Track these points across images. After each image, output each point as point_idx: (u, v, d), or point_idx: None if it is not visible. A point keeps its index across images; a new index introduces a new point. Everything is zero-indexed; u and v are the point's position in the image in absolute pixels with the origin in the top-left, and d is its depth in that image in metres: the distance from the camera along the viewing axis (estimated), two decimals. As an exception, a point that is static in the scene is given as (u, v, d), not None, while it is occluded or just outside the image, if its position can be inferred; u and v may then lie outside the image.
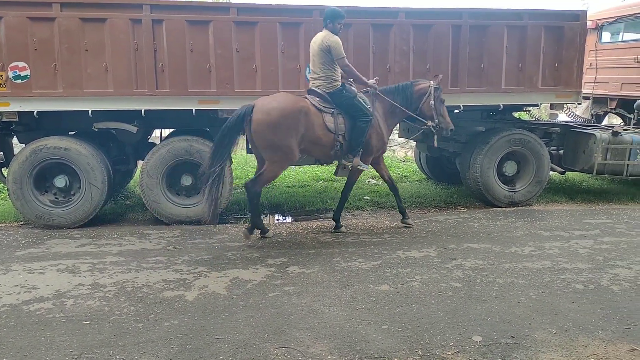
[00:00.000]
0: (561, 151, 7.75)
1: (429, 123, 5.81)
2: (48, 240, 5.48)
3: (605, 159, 7.31)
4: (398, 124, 7.14)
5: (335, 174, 7.27)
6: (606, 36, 8.86)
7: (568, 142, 7.70)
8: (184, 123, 6.59)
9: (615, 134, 7.30)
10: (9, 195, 6.00)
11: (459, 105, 6.78)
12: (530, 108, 8.06)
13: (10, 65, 5.68)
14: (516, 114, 8.15)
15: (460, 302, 3.88)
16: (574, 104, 7.64)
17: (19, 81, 5.72)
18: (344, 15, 5.48)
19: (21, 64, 5.70)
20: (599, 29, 8.69)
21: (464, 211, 6.92)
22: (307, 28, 6.18)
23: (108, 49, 5.80)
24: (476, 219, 6.41)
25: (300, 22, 6.19)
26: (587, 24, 7.60)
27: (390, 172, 9.51)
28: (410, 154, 11.30)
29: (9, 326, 3.48)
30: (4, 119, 5.90)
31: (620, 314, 3.70)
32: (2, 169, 6.39)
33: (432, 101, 5.72)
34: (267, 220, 6.79)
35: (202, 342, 3.26)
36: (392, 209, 7.04)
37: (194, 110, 6.08)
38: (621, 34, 8.82)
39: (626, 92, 8.11)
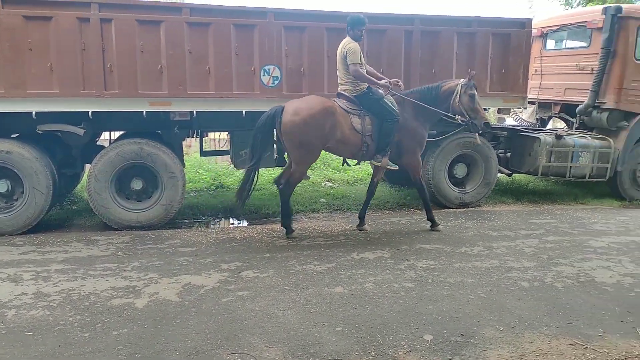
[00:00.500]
0: (508, 154, 8.05)
1: (458, 118, 5.89)
2: (-13, 248, 5.21)
3: (550, 162, 7.63)
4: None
5: (291, 176, 7.28)
6: (550, 43, 9.24)
7: (515, 145, 8.00)
8: (134, 125, 6.40)
9: (558, 137, 7.65)
10: (-56, 201, 5.66)
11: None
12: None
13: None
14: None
15: (412, 302, 3.95)
16: (520, 108, 7.94)
17: (-44, 81, 5.42)
18: (365, 22, 5.63)
19: (-42, 62, 5.41)
20: (543, 36, 9.04)
21: (416, 212, 7.06)
22: (262, 30, 6.16)
23: (53, 49, 5.57)
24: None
25: (255, 25, 6.16)
26: (533, 31, 7.92)
27: (346, 175, 9.62)
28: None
29: (-58, 340, 3.28)
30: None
31: (563, 310, 3.86)
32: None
33: (458, 98, 5.78)
34: (222, 225, 6.71)
35: (152, 351, 3.17)
36: (348, 211, 7.11)
37: (144, 112, 5.92)
38: (564, 41, 9.23)
39: (569, 97, 8.49)
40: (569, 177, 7.83)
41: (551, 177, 7.90)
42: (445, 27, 6.92)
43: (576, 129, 8.40)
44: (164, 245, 5.36)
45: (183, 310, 3.76)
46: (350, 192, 8.30)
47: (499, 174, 8.05)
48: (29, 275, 4.43)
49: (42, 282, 4.28)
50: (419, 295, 4.08)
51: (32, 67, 5.56)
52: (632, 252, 5.32)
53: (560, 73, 8.73)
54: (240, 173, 8.99)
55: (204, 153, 7.73)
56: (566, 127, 9.06)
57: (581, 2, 17.12)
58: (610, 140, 7.87)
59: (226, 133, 7.56)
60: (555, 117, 9.38)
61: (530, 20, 7.47)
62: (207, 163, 9.62)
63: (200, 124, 6.60)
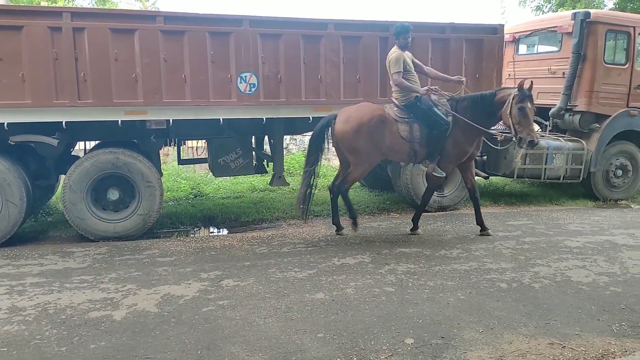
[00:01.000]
0: (485, 157, 8.17)
1: (498, 134, 5.85)
2: (-42, 264, 5.06)
3: (525, 164, 7.78)
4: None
5: (271, 183, 7.30)
6: (523, 48, 9.44)
7: (491, 148, 8.12)
8: (110, 135, 6.32)
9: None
10: None
11: (389, 114, 6.98)
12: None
13: None
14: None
15: (393, 306, 3.97)
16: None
17: None
18: (409, 29, 5.75)
19: None
20: (516, 41, 9.23)
21: (396, 217, 7.11)
22: (238, 38, 6.15)
23: (25, 58, 5.47)
24: (408, 224, 6.57)
25: (231, 32, 6.14)
26: (505, 37, 8.09)
27: (326, 180, 9.63)
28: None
29: None
30: None
31: (541, 310, 3.92)
32: None
33: (509, 110, 5.43)
34: (201, 234, 6.66)
35: (131, 363, 3.12)
36: (328, 217, 7.11)
37: (119, 122, 5.85)
38: (536, 46, 9.43)
39: (542, 101, 8.66)
40: (544, 178, 7.99)
41: (527, 179, 8.05)
42: (420, 33, 6.99)
43: (550, 131, 8.58)
44: (142, 255, 5.28)
45: (162, 321, 3.71)
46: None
47: (476, 177, 8.14)
48: (3, 289, 4.32)
49: (17, 296, 4.17)
50: (400, 299, 4.10)
51: (3, 77, 5.44)
52: (606, 251, 5.44)
53: (532, 77, 8.89)
54: (219, 181, 8.98)
55: (181, 161, 7.67)
56: (540, 130, 9.25)
57: (552, 7, 17.57)
58: (583, 142, 8.06)
59: (204, 141, 7.52)
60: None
61: (502, 26, 7.61)
62: (185, 171, 9.55)
63: (177, 132, 6.56)
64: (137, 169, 5.97)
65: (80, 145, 7.32)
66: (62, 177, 6.34)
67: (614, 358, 3.23)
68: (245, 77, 6.23)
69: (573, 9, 13.48)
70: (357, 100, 6.77)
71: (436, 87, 5.85)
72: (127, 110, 5.88)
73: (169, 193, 8.21)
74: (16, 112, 5.53)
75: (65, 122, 5.66)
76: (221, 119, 6.21)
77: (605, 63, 7.96)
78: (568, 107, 8.14)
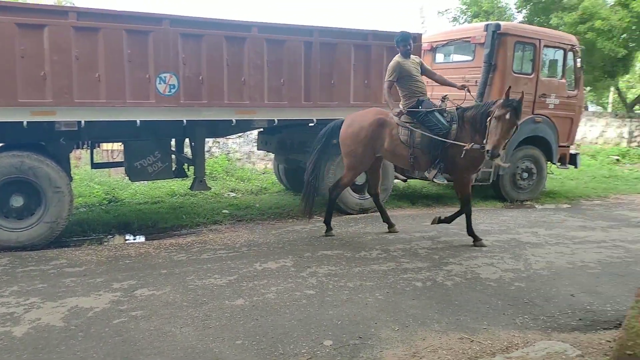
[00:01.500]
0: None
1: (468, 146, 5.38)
2: None
3: (441, 167, 8.11)
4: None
5: (191, 188, 7.11)
6: (440, 57, 9.88)
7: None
8: (14, 137, 5.86)
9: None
10: None
11: (313, 119, 7.05)
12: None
13: None
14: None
15: (313, 309, 3.99)
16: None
17: None
18: (408, 37, 5.85)
19: None
20: (433, 50, 9.64)
21: (319, 220, 7.13)
22: (157, 37, 5.94)
23: None
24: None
25: (150, 31, 5.92)
26: (423, 45, 8.42)
27: (250, 184, 9.55)
28: (270, 166, 11.43)
29: None
30: None
31: (453, 307, 4.11)
32: None
33: (492, 119, 5.16)
34: (115, 241, 6.35)
35: (32, 383, 2.90)
36: (251, 222, 7.04)
37: (25, 122, 5.45)
38: (452, 55, 9.91)
39: (457, 108, 9.11)
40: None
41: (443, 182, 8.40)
42: (343, 39, 7.13)
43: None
44: (48, 266, 4.94)
45: (69, 335, 3.48)
46: (255, 201, 8.24)
47: (396, 180, 8.44)
48: None
49: None
50: (320, 302, 4.13)
51: None
52: (512, 249, 5.81)
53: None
54: (136, 186, 8.62)
55: (95, 165, 7.29)
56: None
57: (467, 19, 18.59)
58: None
59: (120, 144, 7.19)
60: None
61: (420, 34, 7.91)
62: (99, 176, 9.07)
63: (90, 134, 6.21)
64: (44, 173, 5.59)
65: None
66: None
67: (517, 349, 3.44)
68: (165, 77, 6.03)
69: (486, 20, 14.31)
70: (282, 103, 6.79)
71: (446, 94, 5.85)
72: (34, 111, 5.49)
73: (80, 199, 7.75)
74: None
75: (-38, 122, 5.20)
76: (138, 121, 5.96)
77: (514, 72, 8.49)
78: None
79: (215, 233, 6.42)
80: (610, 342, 3.41)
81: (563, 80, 9.03)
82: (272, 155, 9.57)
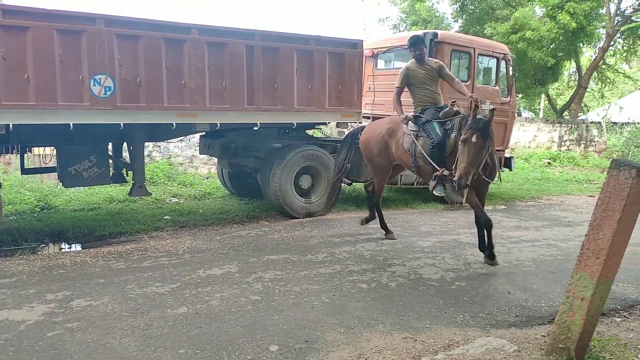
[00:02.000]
0: (348, 165, 8.54)
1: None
2: None
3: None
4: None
5: (130, 194, 6.87)
6: (381, 63, 10.09)
7: (354, 156, 8.52)
8: None
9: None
10: None
11: (257, 123, 6.99)
12: (320, 126, 8.73)
13: None
14: (310, 132, 8.74)
15: (259, 315, 3.95)
16: (356, 122, 8.51)
17: None
18: (419, 41, 5.74)
19: None
20: (375, 56, 9.83)
21: (265, 224, 7.12)
22: (91, 37, 5.71)
23: None
24: (276, 231, 6.65)
25: (83, 31, 5.68)
26: (365, 52, 8.56)
27: (193, 189, 9.35)
28: (214, 170, 11.24)
29: None
30: None
31: (397, 307, 4.19)
32: None
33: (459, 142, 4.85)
34: (49, 250, 6.02)
35: (-47, 405, 2.69)
36: (194, 228, 6.89)
37: (-56, 126, 5.08)
38: (392, 62, 10.15)
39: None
40: (401, 184, 8.61)
41: (386, 185, 8.57)
42: (285, 43, 7.12)
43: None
44: (-27, 279, 4.61)
45: (-4, 352, 3.26)
46: (198, 207, 8.07)
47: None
48: None
49: None
50: (266, 307, 4.10)
51: None
52: (453, 249, 6.01)
53: (390, 90, 9.49)
54: (71, 192, 8.22)
55: (25, 171, 6.89)
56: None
57: (407, 27, 19.10)
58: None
59: (52, 148, 6.83)
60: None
61: (361, 41, 8.05)
62: (30, 182, 8.57)
63: (20, 138, 5.88)
64: (-32, 179, 5.22)
65: None
66: None
67: (458, 346, 3.55)
68: (100, 79, 5.79)
69: (425, 29, 14.77)
70: (224, 107, 6.69)
71: (454, 100, 5.57)
72: (-45, 114, 5.13)
73: (10, 206, 7.30)
74: None
75: None
76: (71, 124, 5.68)
77: (450, 79, 8.79)
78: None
79: (156, 240, 6.22)
80: (544, 336, 3.59)
81: (497, 88, 9.45)
82: (216, 160, 9.41)
